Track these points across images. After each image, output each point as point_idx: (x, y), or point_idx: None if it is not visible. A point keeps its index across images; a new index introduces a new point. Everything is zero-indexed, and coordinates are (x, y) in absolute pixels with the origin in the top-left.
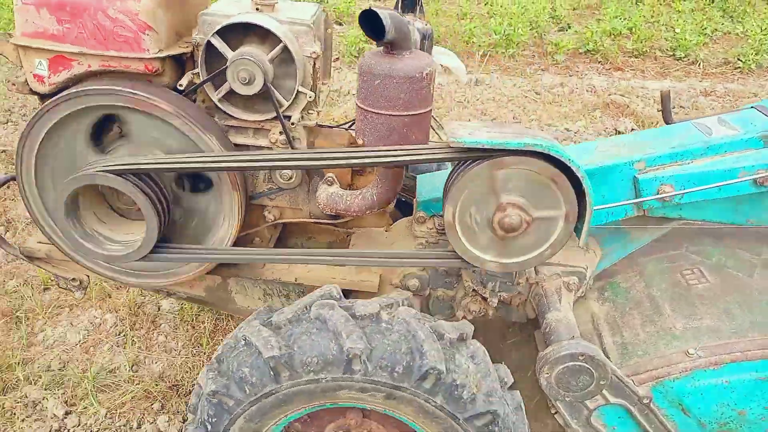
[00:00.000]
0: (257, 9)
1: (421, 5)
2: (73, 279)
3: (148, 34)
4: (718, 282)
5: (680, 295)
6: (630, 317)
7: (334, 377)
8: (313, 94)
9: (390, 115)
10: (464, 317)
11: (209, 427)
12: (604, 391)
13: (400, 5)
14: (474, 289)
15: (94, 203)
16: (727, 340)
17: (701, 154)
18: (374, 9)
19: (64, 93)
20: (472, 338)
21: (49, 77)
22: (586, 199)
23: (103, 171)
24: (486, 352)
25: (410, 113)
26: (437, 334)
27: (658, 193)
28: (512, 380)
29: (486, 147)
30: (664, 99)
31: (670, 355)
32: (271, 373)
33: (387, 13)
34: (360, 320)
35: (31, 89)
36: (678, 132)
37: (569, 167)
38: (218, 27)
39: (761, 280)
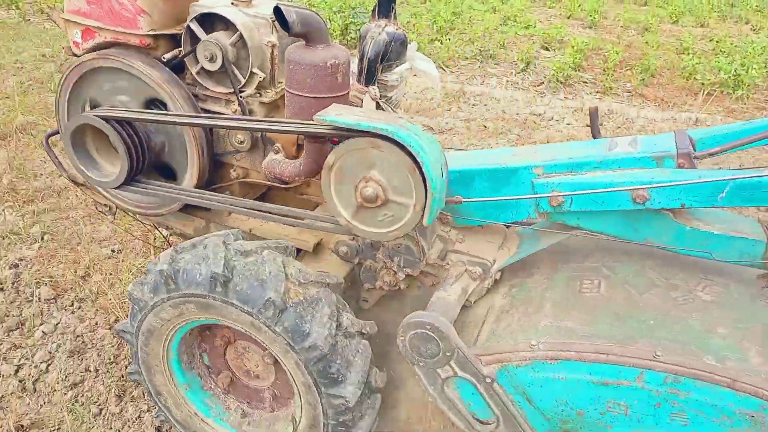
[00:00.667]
0: (233, 3)
1: (395, 13)
2: (105, 205)
3: (142, 16)
4: (609, 294)
5: (566, 299)
6: (515, 311)
7: (202, 294)
8: (264, 75)
9: (300, 95)
10: (381, 287)
11: (132, 320)
12: (453, 364)
13: (376, 11)
14: (384, 262)
15: (102, 143)
16: (573, 340)
17: (594, 167)
18: (281, 6)
19: (81, 56)
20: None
21: (81, 44)
22: (427, 184)
23: (95, 116)
24: (335, 300)
25: (316, 96)
26: (293, 276)
27: (548, 198)
28: (363, 330)
29: (341, 126)
30: (592, 115)
31: (518, 344)
32: (162, 283)
33: (293, 11)
34: (234, 254)
35: (72, 53)
36: (587, 146)
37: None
38: (195, 15)
39: (652, 299)
